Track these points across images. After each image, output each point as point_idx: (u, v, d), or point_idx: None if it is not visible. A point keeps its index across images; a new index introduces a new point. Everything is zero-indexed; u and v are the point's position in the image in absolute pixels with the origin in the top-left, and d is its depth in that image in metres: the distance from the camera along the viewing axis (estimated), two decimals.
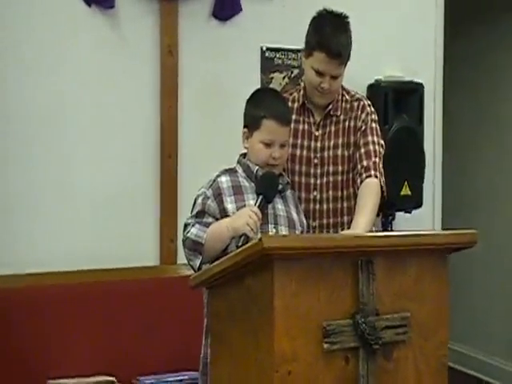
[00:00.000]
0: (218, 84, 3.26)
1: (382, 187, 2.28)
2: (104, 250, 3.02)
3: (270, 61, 3.37)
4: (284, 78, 3.40)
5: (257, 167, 2.15)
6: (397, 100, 3.48)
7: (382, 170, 2.31)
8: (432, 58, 3.75)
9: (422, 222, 3.60)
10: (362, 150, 2.30)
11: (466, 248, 1.87)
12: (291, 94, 2.44)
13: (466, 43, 4.70)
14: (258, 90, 2.28)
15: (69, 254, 2.94)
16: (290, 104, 2.38)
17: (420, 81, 3.59)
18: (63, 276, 2.86)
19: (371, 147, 2.31)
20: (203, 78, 3.23)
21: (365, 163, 2.28)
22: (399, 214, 3.52)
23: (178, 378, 2.77)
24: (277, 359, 1.57)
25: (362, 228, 2.11)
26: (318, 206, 2.34)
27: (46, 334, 2.73)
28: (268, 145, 2.12)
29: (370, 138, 2.32)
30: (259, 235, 2.00)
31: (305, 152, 2.36)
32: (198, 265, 2.08)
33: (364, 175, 2.27)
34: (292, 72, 3.41)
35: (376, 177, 2.26)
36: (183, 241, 2.13)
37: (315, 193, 2.34)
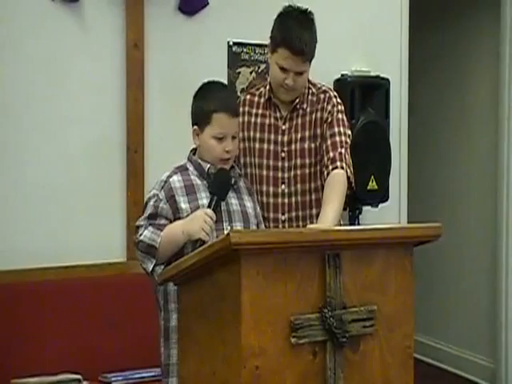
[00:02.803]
0: (185, 78, 3.24)
1: (348, 178, 2.28)
2: (70, 245, 2.99)
3: (237, 55, 3.36)
4: (251, 72, 3.39)
5: (208, 165, 2.14)
6: (363, 94, 3.51)
7: (349, 160, 2.31)
8: (398, 53, 3.79)
9: (388, 215, 3.64)
10: (329, 142, 2.30)
11: (431, 241, 1.90)
12: (258, 90, 2.44)
13: (431, 39, 4.77)
14: (203, 85, 2.24)
15: (33, 251, 2.90)
16: (256, 99, 2.38)
17: (386, 76, 3.62)
18: (28, 273, 2.82)
19: (337, 138, 2.30)
20: (170, 72, 3.22)
21: (331, 154, 2.28)
22: (366, 208, 3.55)
23: (145, 374, 2.76)
24: (244, 354, 1.57)
25: (330, 220, 2.12)
26: (286, 200, 2.33)
27: (10, 332, 2.69)
28: (220, 139, 2.11)
29: (336, 129, 2.31)
30: (215, 234, 2.02)
31: (272, 146, 2.35)
32: (150, 268, 2.06)
33: (330, 167, 2.26)
34: (259, 67, 3.41)
35: (342, 168, 2.26)
36: (136, 243, 2.10)
37: (283, 186, 2.34)
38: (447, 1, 4.65)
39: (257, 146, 2.34)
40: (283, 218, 2.33)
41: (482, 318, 4.31)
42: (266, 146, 2.35)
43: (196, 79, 3.22)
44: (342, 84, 3.49)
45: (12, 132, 2.92)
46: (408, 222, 3.77)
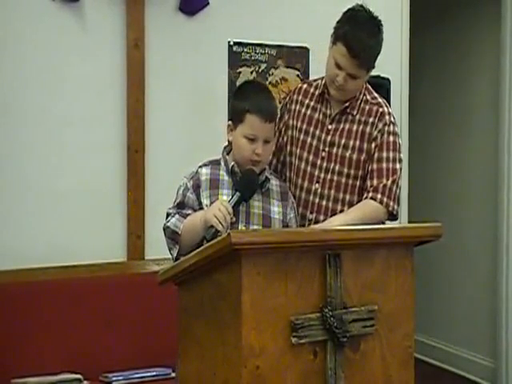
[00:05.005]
0: (186, 78, 3.24)
1: (392, 211, 2.21)
2: (70, 245, 2.99)
3: (237, 55, 3.36)
4: (252, 72, 3.39)
5: (232, 163, 2.13)
6: None
7: (394, 191, 2.21)
8: (398, 53, 3.79)
9: None
10: (375, 166, 2.22)
11: (432, 241, 1.90)
12: (316, 80, 2.39)
13: (431, 38, 4.76)
14: (244, 83, 2.23)
15: (33, 250, 2.90)
16: (312, 90, 2.34)
17: (386, 75, 3.62)
18: (28, 273, 2.82)
19: (384, 165, 2.22)
20: (170, 71, 3.22)
21: (375, 182, 2.20)
22: None
23: (145, 373, 2.76)
24: (245, 354, 1.57)
25: (335, 224, 2.09)
26: (317, 200, 2.27)
27: (10, 332, 2.69)
28: (251, 140, 2.08)
29: (384, 154, 2.22)
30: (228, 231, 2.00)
31: (315, 141, 2.29)
32: (175, 255, 2.09)
33: (370, 194, 2.20)
34: (260, 67, 3.41)
35: (381, 202, 2.19)
36: (164, 229, 2.13)
37: (317, 185, 2.27)
38: (447, 1, 4.64)
39: (301, 137, 2.30)
40: (311, 216, 2.27)
41: (482, 318, 4.30)
42: (309, 139, 2.30)
43: (197, 79, 3.27)
44: None
45: (11, 132, 2.92)
46: (408, 222, 3.77)
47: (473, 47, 4.50)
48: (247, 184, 2.09)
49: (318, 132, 2.29)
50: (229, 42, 3.34)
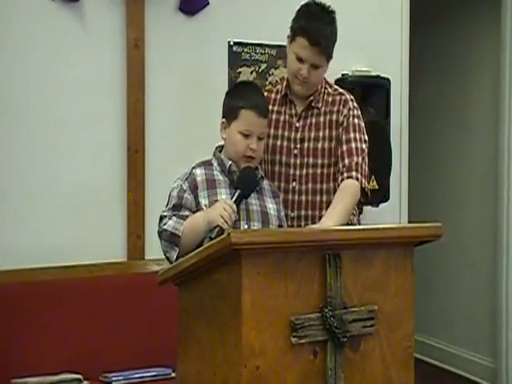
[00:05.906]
0: (186, 78, 3.25)
1: (364, 188, 2.28)
2: (70, 245, 2.99)
3: (237, 55, 3.36)
4: (252, 72, 3.40)
5: (230, 162, 2.15)
6: (363, 94, 3.51)
7: (364, 168, 2.30)
8: (398, 53, 3.79)
9: (388, 215, 3.64)
10: (344, 148, 2.29)
11: (432, 241, 1.90)
12: (275, 87, 2.46)
13: (431, 38, 4.76)
14: (238, 83, 2.30)
15: (33, 250, 2.90)
16: (273, 96, 2.40)
17: (386, 75, 3.62)
18: (28, 273, 2.82)
19: (353, 144, 2.29)
20: (170, 72, 3.22)
21: (347, 162, 2.27)
22: (366, 208, 3.55)
23: (146, 374, 2.76)
24: (245, 354, 1.57)
25: (333, 221, 2.11)
26: (296, 197, 2.33)
27: (11, 332, 2.69)
28: (246, 136, 2.13)
29: (352, 135, 2.30)
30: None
31: (285, 142, 2.35)
32: (174, 257, 2.08)
33: (345, 175, 2.26)
34: (259, 67, 3.41)
35: (357, 179, 2.25)
36: (159, 232, 2.12)
37: (294, 183, 2.33)
38: (447, 0, 4.64)
39: (270, 142, 2.35)
40: (292, 214, 2.33)
41: (482, 318, 4.30)
42: (279, 142, 2.36)
43: (197, 79, 3.27)
44: (342, 84, 3.44)
45: (12, 132, 2.92)
46: (408, 222, 3.77)
47: (473, 47, 4.50)
48: (247, 181, 2.12)
49: (286, 133, 2.36)
50: (229, 42, 3.34)
